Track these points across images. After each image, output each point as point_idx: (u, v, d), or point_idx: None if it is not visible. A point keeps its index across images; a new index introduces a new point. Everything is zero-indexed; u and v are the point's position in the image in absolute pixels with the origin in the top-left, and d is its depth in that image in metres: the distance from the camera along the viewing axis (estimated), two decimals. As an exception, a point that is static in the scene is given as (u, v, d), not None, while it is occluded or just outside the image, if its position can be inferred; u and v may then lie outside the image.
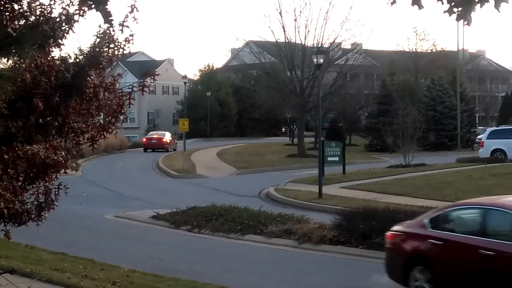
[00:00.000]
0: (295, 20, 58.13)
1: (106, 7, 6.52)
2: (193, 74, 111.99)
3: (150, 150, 63.35)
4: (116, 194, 33.33)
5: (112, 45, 8.38)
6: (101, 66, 8.31)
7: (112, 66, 8.78)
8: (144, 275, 14.37)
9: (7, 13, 7.66)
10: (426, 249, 12.53)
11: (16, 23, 7.82)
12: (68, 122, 8.35)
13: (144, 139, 67.65)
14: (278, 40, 59.11)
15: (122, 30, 8.11)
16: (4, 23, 7.54)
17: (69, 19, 8.03)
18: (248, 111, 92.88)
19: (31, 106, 7.91)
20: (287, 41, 58.82)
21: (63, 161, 8.64)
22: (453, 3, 5.56)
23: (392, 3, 5.68)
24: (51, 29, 7.95)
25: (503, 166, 35.72)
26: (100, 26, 8.34)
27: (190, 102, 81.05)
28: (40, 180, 8.74)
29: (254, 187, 33.75)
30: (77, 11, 7.95)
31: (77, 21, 8.05)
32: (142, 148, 65.82)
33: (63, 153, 8.72)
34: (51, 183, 8.86)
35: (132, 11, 7.99)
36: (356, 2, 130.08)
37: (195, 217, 22.76)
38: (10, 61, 7.97)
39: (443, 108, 63.73)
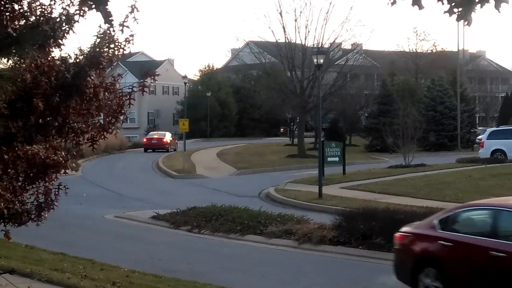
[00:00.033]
0: (295, 20, 58.20)
1: (107, 7, 6.52)
2: (193, 74, 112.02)
3: (151, 150, 63.37)
4: (116, 194, 33.33)
5: (112, 45, 8.38)
6: (101, 66, 8.31)
7: (112, 66, 8.78)
8: (144, 275, 14.37)
9: (7, 13, 7.66)
10: (435, 251, 12.38)
11: (17, 23, 7.82)
12: (68, 122, 8.35)
13: (145, 139, 67.70)
14: (278, 41, 59.14)
15: (122, 30, 8.11)
16: (5, 23, 7.54)
17: (69, 19, 8.04)
18: (248, 112, 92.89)
19: (31, 106, 7.91)
20: (287, 41, 58.82)
21: (63, 161, 8.64)
22: (453, 4, 5.56)
23: (392, 4, 5.68)
24: (51, 29, 7.96)
25: (503, 166, 35.72)
26: (100, 26, 8.35)
27: (190, 102, 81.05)
28: (40, 180, 8.74)
29: (254, 188, 33.75)
30: (77, 11, 7.95)
31: (77, 21, 8.06)
32: (142, 148, 65.85)
33: (63, 153, 8.73)
34: (51, 183, 8.86)
35: (132, 11, 8.00)
36: (356, 2, 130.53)
37: (195, 217, 22.76)
38: (10, 61, 7.97)
39: (443, 108, 63.73)
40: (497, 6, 5.50)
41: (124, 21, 8.05)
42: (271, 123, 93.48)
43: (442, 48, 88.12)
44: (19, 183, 8.61)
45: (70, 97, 8.14)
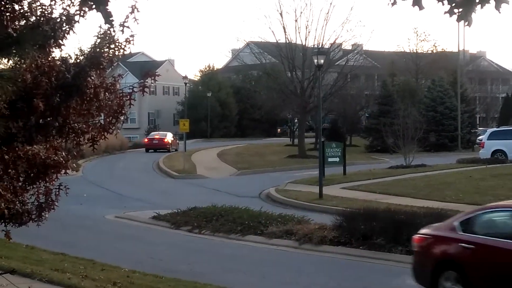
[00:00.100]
0: (296, 20, 58.22)
1: (107, 7, 6.52)
2: (194, 74, 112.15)
3: (152, 150, 63.43)
4: (117, 194, 33.34)
5: (112, 46, 8.38)
6: (101, 66, 8.32)
7: (112, 67, 8.79)
8: (145, 275, 14.37)
9: (7, 14, 7.67)
10: (456, 253, 12.14)
11: (17, 23, 7.82)
12: (69, 122, 8.36)
13: (146, 140, 67.83)
14: (279, 41, 59.15)
15: (122, 31, 8.12)
16: (5, 23, 7.55)
17: (70, 20, 8.04)
18: (249, 112, 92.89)
19: (32, 107, 7.92)
20: (287, 41, 58.83)
21: (63, 162, 8.65)
22: (453, 4, 5.56)
23: (392, 4, 5.68)
24: (52, 30, 7.96)
25: (503, 167, 35.72)
26: (100, 27, 8.35)
27: (190, 103, 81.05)
28: (40, 181, 8.75)
29: (255, 188, 33.75)
30: (78, 12, 7.96)
31: (78, 21, 8.06)
32: (143, 149, 65.94)
33: (63, 153, 8.73)
34: (51, 183, 8.86)
35: (132, 12, 8.00)
36: (357, 3, 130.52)
37: (195, 217, 22.76)
38: (10, 62, 7.97)
39: (443, 109, 63.72)
40: (497, 7, 5.50)
41: (124, 22, 8.05)
42: (272, 124, 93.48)
43: (442, 49, 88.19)
44: (20, 183, 8.62)
45: (71, 98, 8.15)
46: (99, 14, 6.55)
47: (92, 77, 8.20)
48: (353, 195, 28.50)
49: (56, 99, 8.06)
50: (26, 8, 7.98)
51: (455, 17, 5.59)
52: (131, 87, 8.66)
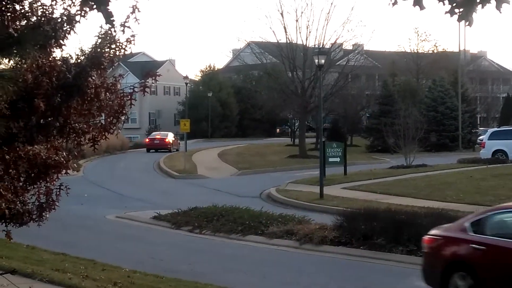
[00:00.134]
0: (297, 20, 58.18)
1: (108, 7, 6.53)
2: (195, 74, 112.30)
3: (153, 150, 63.44)
4: (117, 194, 33.34)
5: (113, 46, 8.39)
6: (102, 66, 8.32)
7: (113, 67, 8.79)
8: (145, 275, 14.37)
9: (8, 14, 7.68)
10: (467, 254, 12.03)
11: (18, 23, 7.83)
12: (70, 122, 8.36)
13: (147, 140, 67.86)
14: (280, 41, 59.13)
15: (123, 31, 8.12)
16: (6, 23, 7.55)
17: (71, 20, 8.05)
18: (250, 112, 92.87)
19: (33, 107, 7.92)
20: (288, 41, 58.81)
21: (64, 162, 8.65)
22: (454, 4, 5.56)
23: (393, 4, 5.68)
24: (53, 30, 7.97)
25: (504, 167, 35.71)
26: (101, 27, 8.36)
27: (191, 103, 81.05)
28: (41, 181, 8.75)
29: (255, 188, 33.75)
30: (79, 12, 7.96)
31: (79, 21, 8.07)
32: (144, 149, 65.94)
33: (64, 153, 8.74)
34: (52, 183, 8.87)
35: (133, 12, 8.00)
36: (358, 2, 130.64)
37: (196, 217, 22.76)
38: (11, 62, 7.98)
39: (444, 109, 63.71)
40: (498, 7, 5.51)
41: (125, 22, 8.06)
42: (272, 124, 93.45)
43: (443, 49, 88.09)
44: (21, 183, 8.62)
45: (72, 98, 8.15)
46: (100, 14, 6.56)
47: (93, 77, 8.20)
48: (353, 195, 28.50)
49: (57, 99, 8.07)
50: (27, 8, 7.99)
51: (456, 17, 5.60)
52: (132, 87, 8.66)
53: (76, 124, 8.45)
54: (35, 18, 8.02)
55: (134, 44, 8.43)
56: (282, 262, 17.53)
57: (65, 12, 8.06)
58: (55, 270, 13.75)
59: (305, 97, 58.66)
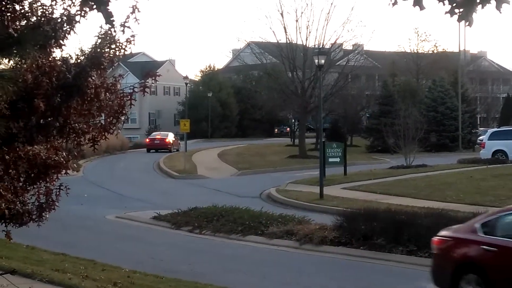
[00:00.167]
0: (297, 21, 58.18)
1: (108, 7, 6.52)
2: (194, 75, 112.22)
3: (153, 150, 63.43)
4: (117, 194, 33.34)
5: (113, 46, 8.38)
6: (102, 66, 8.32)
7: (113, 67, 8.79)
8: (145, 276, 14.37)
9: (8, 14, 7.68)
10: (478, 256, 11.86)
11: (18, 23, 7.83)
12: (69, 122, 8.36)
13: (147, 140, 67.86)
14: (280, 41, 59.13)
15: (123, 31, 8.12)
16: (6, 23, 7.55)
17: (71, 20, 8.05)
18: (249, 112, 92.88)
19: (33, 107, 7.92)
20: (288, 42, 58.80)
21: (64, 162, 8.65)
22: (454, 4, 5.56)
23: (393, 4, 5.68)
24: (53, 30, 7.97)
25: (504, 167, 35.70)
26: (101, 27, 8.35)
27: (191, 103, 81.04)
28: (41, 181, 8.75)
29: (255, 188, 33.74)
30: (79, 12, 7.96)
31: (79, 21, 8.06)
32: (144, 149, 65.93)
33: (64, 153, 8.73)
34: (52, 183, 8.87)
35: (133, 12, 8.00)
36: (358, 3, 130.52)
37: (196, 218, 22.76)
38: (11, 62, 7.98)
39: (444, 109, 63.71)
40: (498, 7, 5.50)
41: (125, 22, 8.06)
42: (272, 124, 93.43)
43: (443, 49, 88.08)
44: (20, 184, 8.62)
45: (71, 98, 8.15)
46: (100, 14, 6.56)
47: (93, 77, 8.20)
48: (353, 195, 28.50)
49: (57, 99, 8.06)
50: (27, 8, 7.99)
51: (456, 17, 5.60)
52: (132, 87, 8.66)
53: (76, 124, 8.45)
54: (35, 18, 8.02)
55: (134, 44, 8.43)
56: (282, 262, 17.53)
57: (65, 12, 8.05)
58: (55, 270, 13.75)
59: (305, 97, 58.66)
